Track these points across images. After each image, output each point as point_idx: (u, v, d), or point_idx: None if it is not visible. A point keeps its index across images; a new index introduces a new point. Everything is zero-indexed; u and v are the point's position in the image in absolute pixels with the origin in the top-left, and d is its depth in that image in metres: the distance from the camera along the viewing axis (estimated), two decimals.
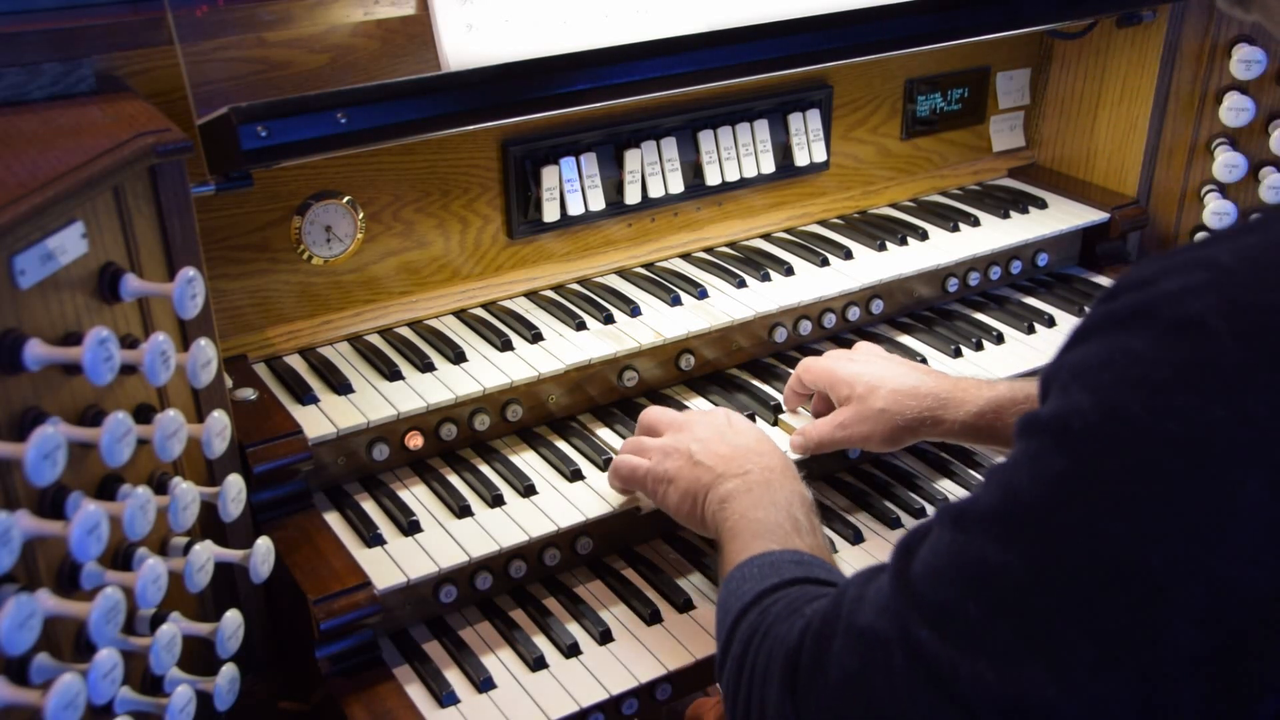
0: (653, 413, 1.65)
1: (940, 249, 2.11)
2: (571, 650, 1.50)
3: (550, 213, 1.90)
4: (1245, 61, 2.14)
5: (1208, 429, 0.75)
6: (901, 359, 1.75)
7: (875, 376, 1.63)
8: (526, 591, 1.61)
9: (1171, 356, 0.77)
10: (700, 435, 1.52)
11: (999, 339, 2.02)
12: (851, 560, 1.66)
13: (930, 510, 1.75)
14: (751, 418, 1.76)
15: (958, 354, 1.97)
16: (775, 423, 1.79)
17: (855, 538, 1.69)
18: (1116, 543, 0.79)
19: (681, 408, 1.80)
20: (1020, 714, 0.84)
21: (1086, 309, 2.08)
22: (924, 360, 1.93)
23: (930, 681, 0.88)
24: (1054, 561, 0.82)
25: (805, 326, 1.99)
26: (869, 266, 2.04)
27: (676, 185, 2.00)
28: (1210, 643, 0.77)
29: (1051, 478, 0.82)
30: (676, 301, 1.90)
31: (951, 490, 1.80)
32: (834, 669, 0.97)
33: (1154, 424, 0.77)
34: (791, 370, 1.90)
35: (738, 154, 2.05)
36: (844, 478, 1.84)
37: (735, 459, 1.46)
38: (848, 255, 2.07)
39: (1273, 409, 0.74)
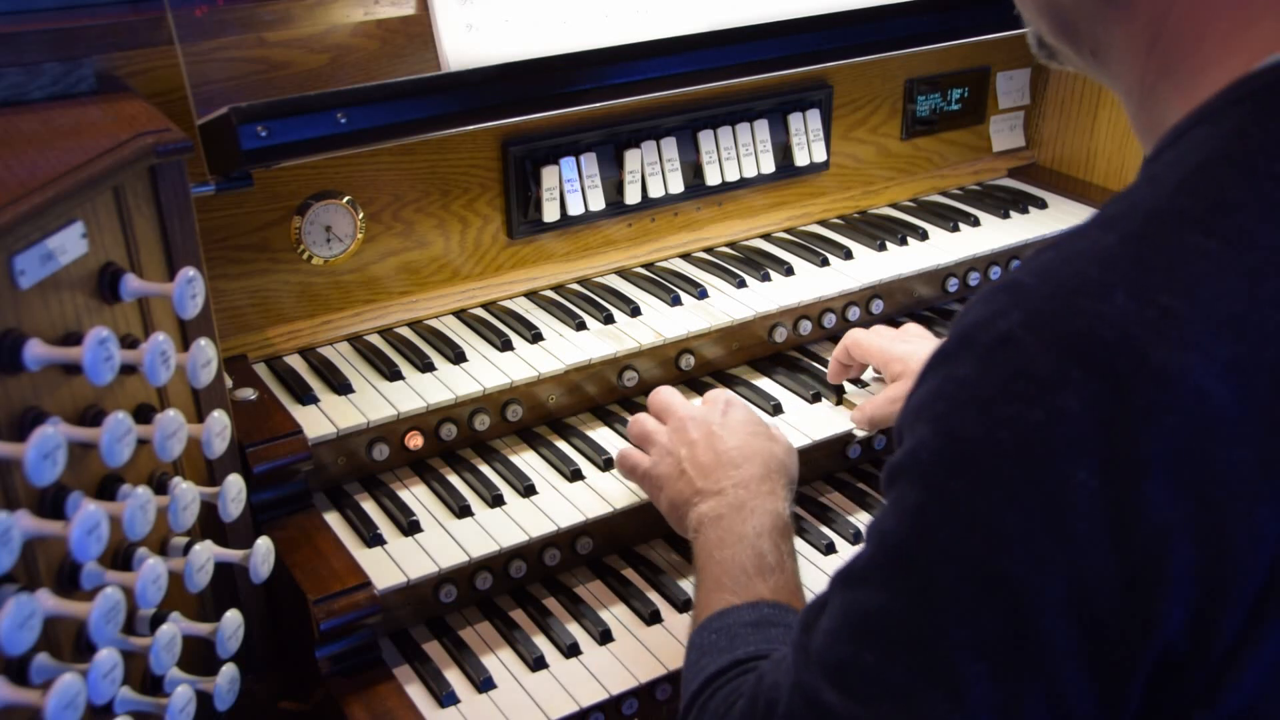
0: (662, 395, 1.65)
1: (940, 249, 2.11)
2: (571, 650, 1.50)
3: (550, 213, 1.90)
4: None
5: (1032, 432, 0.79)
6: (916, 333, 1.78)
7: (926, 353, 1.65)
8: (526, 591, 1.61)
9: (992, 374, 0.82)
10: (691, 437, 1.52)
11: None
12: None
13: None
14: None
15: None
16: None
17: (855, 537, 1.68)
18: (976, 556, 0.82)
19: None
20: None
21: None
22: None
23: None
24: (927, 590, 0.85)
25: (805, 326, 1.99)
26: (869, 266, 2.04)
27: (676, 185, 2.00)
28: (1081, 635, 0.80)
29: (911, 512, 0.86)
30: (676, 301, 1.91)
31: None
32: None
33: (987, 437, 0.81)
34: (791, 369, 1.91)
35: (738, 154, 2.05)
36: (844, 478, 1.84)
37: (714, 472, 1.46)
38: (848, 255, 2.07)
39: (1084, 403, 0.78)
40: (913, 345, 1.72)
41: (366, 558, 1.49)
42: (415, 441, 1.68)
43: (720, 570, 1.34)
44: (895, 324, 2.07)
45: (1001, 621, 0.82)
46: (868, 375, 1.89)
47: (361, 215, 1.79)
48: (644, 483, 1.56)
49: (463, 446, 1.74)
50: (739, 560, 1.34)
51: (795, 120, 2.11)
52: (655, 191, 1.99)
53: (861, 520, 1.73)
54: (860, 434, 1.76)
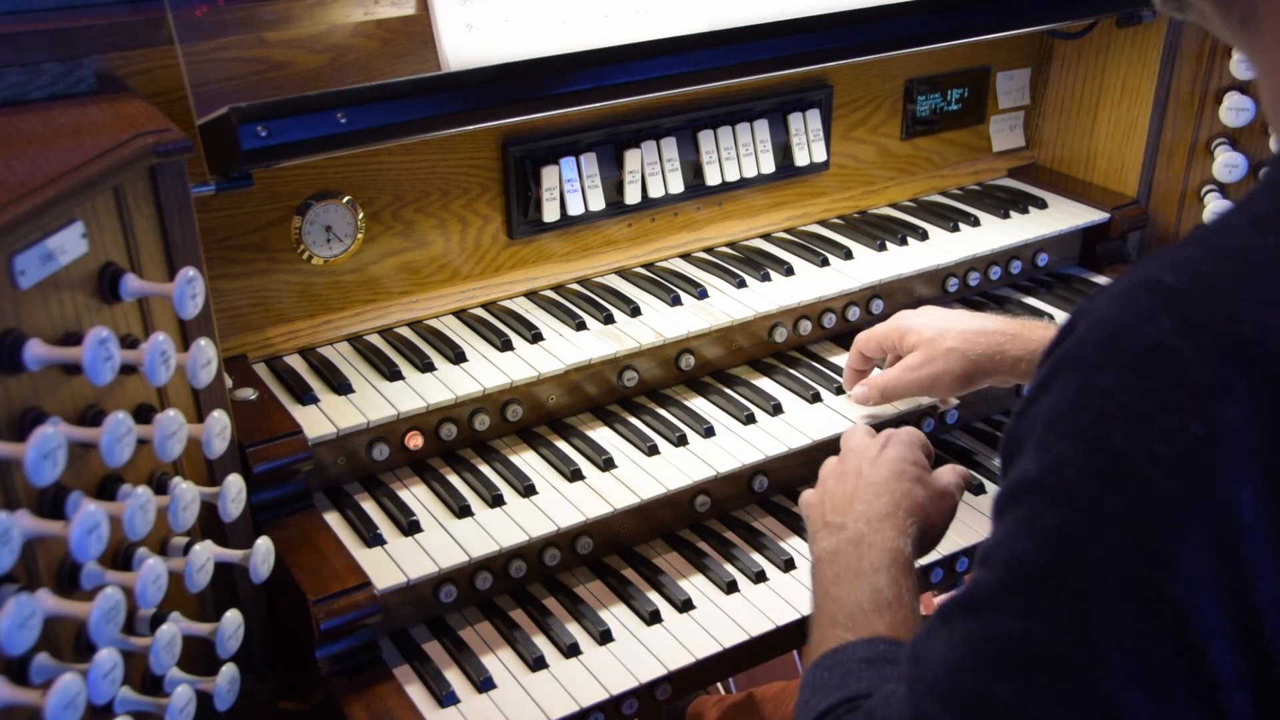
0: (851, 437, 1.54)
1: (940, 249, 2.11)
2: (571, 650, 1.50)
3: (550, 213, 1.90)
4: (1245, 61, 2.14)
5: (1192, 446, 0.75)
6: (965, 310, 1.79)
7: (943, 321, 1.67)
8: (526, 591, 1.61)
9: (1143, 385, 0.78)
10: (842, 469, 1.45)
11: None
12: None
13: None
14: (750, 418, 1.77)
15: None
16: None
17: None
18: (1136, 576, 0.77)
19: (683, 408, 1.80)
20: None
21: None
22: None
23: None
24: (1078, 613, 0.79)
25: (805, 326, 1.99)
26: (869, 266, 2.04)
27: (676, 185, 2.00)
28: (1248, 659, 0.76)
29: (1051, 533, 0.81)
30: (676, 301, 1.90)
31: None
32: None
33: (1140, 451, 0.77)
34: (792, 369, 1.91)
35: (738, 154, 2.05)
36: None
37: (844, 507, 1.38)
38: (848, 255, 2.07)
39: (1247, 416, 0.74)
40: (927, 316, 1.71)
41: (366, 558, 1.49)
42: (415, 441, 1.68)
43: (836, 607, 1.28)
44: None
45: (1163, 646, 0.77)
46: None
47: (361, 215, 1.79)
48: (803, 509, 1.48)
49: (463, 446, 1.74)
50: (855, 597, 1.28)
51: (795, 120, 2.11)
52: (655, 191, 1.99)
53: None
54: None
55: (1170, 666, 0.77)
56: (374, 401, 1.65)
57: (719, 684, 2.16)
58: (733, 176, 2.06)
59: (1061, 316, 2.10)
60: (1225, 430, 0.75)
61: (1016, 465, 0.86)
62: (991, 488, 1.80)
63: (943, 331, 1.66)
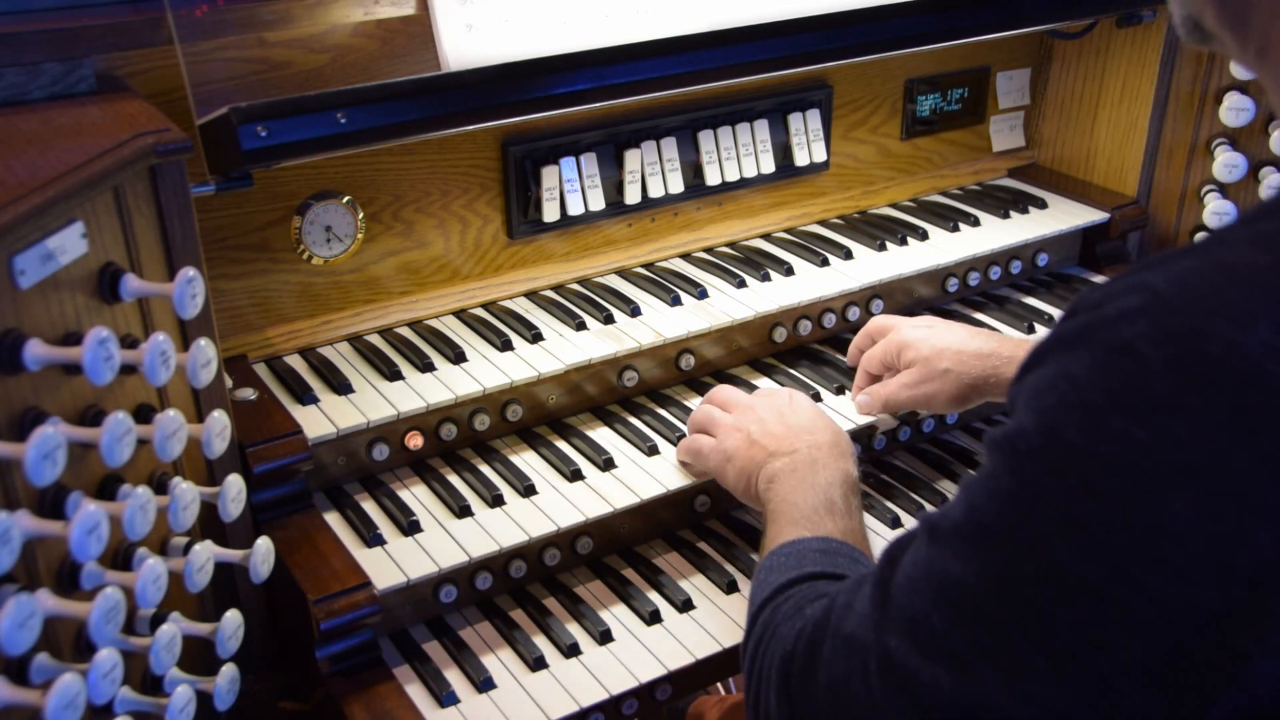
0: (724, 390, 1.70)
1: (940, 249, 2.11)
2: (571, 650, 1.50)
3: (550, 213, 1.90)
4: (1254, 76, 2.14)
5: (1135, 451, 0.78)
6: (965, 325, 1.80)
7: (941, 340, 1.70)
8: (526, 591, 1.61)
9: (1105, 381, 0.81)
10: (761, 415, 1.57)
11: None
12: None
13: (929, 509, 1.75)
14: None
15: None
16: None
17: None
18: (1060, 560, 0.82)
19: (683, 408, 1.81)
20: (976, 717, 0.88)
21: None
22: None
23: (898, 689, 0.92)
24: (1006, 576, 0.86)
25: (805, 326, 1.99)
26: (869, 266, 2.04)
27: (676, 185, 2.00)
28: (1156, 654, 0.80)
29: (1002, 496, 0.87)
30: (676, 301, 1.90)
31: (953, 490, 1.80)
32: (822, 674, 1.01)
33: (1088, 446, 0.81)
34: (792, 369, 1.91)
35: (738, 154, 2.05)
36: None
37: (787, 438, 1.51)
38: (848, 255, 2.07)
39: (1196, 433, 0.76)
40: (925, 331, 1.73)
41: (366, 558, 1.49)
42: (415, 441, 1.68)
43: (794, 510, 1.38)
44: None
45: (1074, 629, 0.82)
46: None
47: (361, 215, 1.79)
48: (710, 459, 1.59)
49: (463, 446, 1.74)
50: (811, 502, 1.39)
51: (795, 120, 2.11)
52: (655, 191, 1.99)
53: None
54: (864, 419, 1.75)
55: (1076, 644, 0.83)
56: (374, 401, 1.65)
57: (719, 684, 2.16)
58: (733, 176, 2.06)
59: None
60: (1167, 441, 0.77)
61: (1009, 419, 0.91)
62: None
63: (939, 351, 1.68)
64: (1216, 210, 2.22)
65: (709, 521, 1.76)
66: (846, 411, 1.80)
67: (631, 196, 1.97)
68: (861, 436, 1.82)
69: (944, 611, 0.90)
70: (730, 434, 1.57)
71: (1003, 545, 0.86)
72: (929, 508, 1.75)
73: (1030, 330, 2.05)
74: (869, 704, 0.95)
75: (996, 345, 1.67)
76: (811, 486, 1.42)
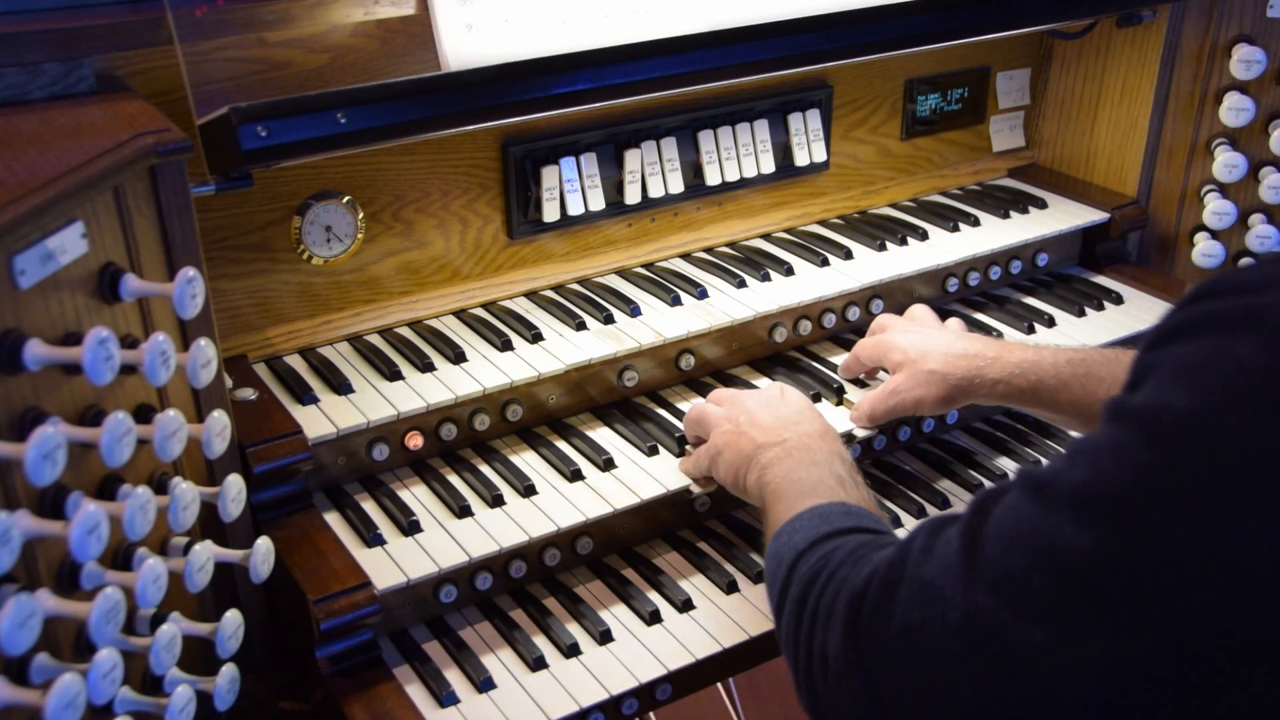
0: (721, 390, 1.71)
1: (940, 249, 2.11)
2: (571, 650, 1.50)
3: (550, 213, 1.90)
4: (1245, 61, 2.14)
5: None
6: (951, 329, 1.79)
7: (927, 342, 1.70)
8: (526, 591, 1.61)
9: (1276, 366, 0.79)
10: (749, 407, 1.58)
11: (999, 338, 2.01)
12: None
13: (931, 511, 1.75)
14: None
15: None
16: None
17: None
18: (1204, 541, 0.81)
19: (681, 409, 1.80)
20: (1066, 683, 0.87)
21: (1087, 309, 2.10)
22: None
23: (983, 643, 0.91)
24: (1136, 550, 0.84)
25: (805, 326, 1.99)
26: (869, 266, 2.04)
27: (676, 185, 2.00)
28: (1262, 659, 0.81)
29: (1140, 469, 0.84)
30: (676, 301, 1.90)
31: (953, 490, 1.80)
32: (896, 618, 1.00)
33: (1253, 430, 0.79)
34: (791, 369, 1.91)
35: (738, 154, 2.05)
36: None
37: (776, 429, 1.51)
38: (848, 255, 2.07)
39: None
40: (912, 336, 1.73)
41: (366, 558, 1.49)
42: (415, 441, 1.68)
43: (800, 486, 1.38)
44: None
45: (1204, 609, 0.81)
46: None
47: (361, 215, 1.79)
48: (703, 459, 1.60)
49: (463, 446, 1.74)
50: (817, 477, 1.39)
51: (795, 120, 2.11)
52: (655, 191, 1.99)
53: None
54: (860, 433, 1.75)
55: (1201, 628, 0.81)
56: (374, 401, 1.65)
57: (719, 684, 2.16)
58: (733, 176, 2.06)
59: (1062, 316, 2.10)
60: None
61: (1138, 390, 0.89)
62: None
63: (925, 353, 1.68)
64: (1217, 210, 2.22)
65: (709, 521, 1.76)
66: (847, 412, 1.80)
67: (631, 196, 1.97)
68: (860, 438, 1.81)
69: (1048, 574, 0.88)
70: (720, 427, 1.58)
71: (1134, 519, 0.84)
72: (929, 508, 1.75)
73: (1030, 330, 2.05)
74: (944, 654, 0.94)
75: (981, 346, 1.67)
76: (813, 464, 1.43)
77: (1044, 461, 1.88)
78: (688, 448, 1.67)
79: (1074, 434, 1.89)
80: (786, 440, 1.49)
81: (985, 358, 1.65)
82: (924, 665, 0.96)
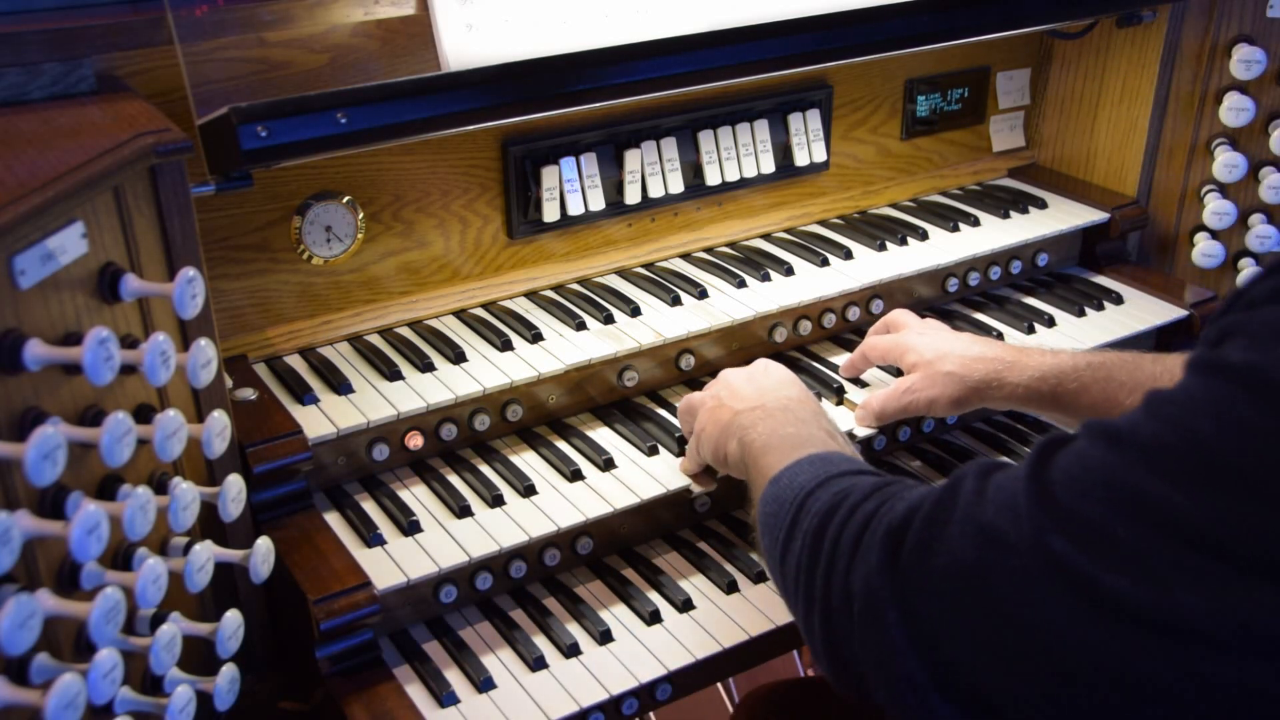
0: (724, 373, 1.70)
1: (940, 249, 2.11)
2: (571, 650, 1.50)
3: (550, 213, 1.90)
4: (1245, 61, 2.15)
5: None
6: (969, 334, 1.79)
7: (944, 344, 1.70)
8: (526, 591, 1.61)
9: None
10: (730, 382, 1.58)
11: (999, 339, 2.01)
12: None
13: None
14: None
15: None
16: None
17: None
18: None
19: None
20: (1161, 626, 0.85)
21: (1087, 309, 2.10)
22: None
23: (1061, 587, 0.89)
24: (1248, 516, 0.82)
25: (805, 326, 1.99)
26: (869, 266, 2.04)
27: (676, 185, 2.00)
28: None
29: (1244, 430, 0.83)
30: (676, 301, 1.90)
31: None
32: (943, 555, 0.98)
33: None
34: (792, 370, 1.91)
35: (738, 154, 2.05)
36: None
37: (754, 396, 1.52)
38: (848, 255, 2.07)
39: None
40: (928, 337, 1.73)
41: (366, 558, 1.49)
42: (415, 441, 1.68)
43: (795, 440, 1.36)
44: None
45: None
46: (870, 375, 1.88)
47: (361, 215, 1.79)
48: (694, 443, 1.60)
49: (463, 446, 1.74)
50: (810, 432, 1.38)
51: (795, 120, 2.11)
52: (655, 191, 1.99)
53: None
54: (861, 433, 1.75)
55: None
56: (374, 401, 1.65)
57: (719, 684, 2.16)
58: (733, 176, 2.06)
59: (1062, 316, 2.10)
60: None
61: (1223, 346, 0.87)
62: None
63: (942, 355, 1.68)
64: (1216, 210, 2.22)
65: (709, 521, 1.76)
66: (847, 413, 1.80)
67: (631, 196, 1.97)
68: (861, 438, 1.81)
69: (1134, 526, 0.86)
70: (704, 408, 1.58)
71: (1250, 483, 0.82)
72: None
73: (1030, 330, 2.05)
74: (1015, 598, 0.92)
75: (999, 350, 1.68)
76: (799, 421, 1.41)
77: None
78: (687, 448, 1.67)
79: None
80: (765, 404, 1.48)
81: (1004, 361, 1.64)
82: (979, 606, 0.95)
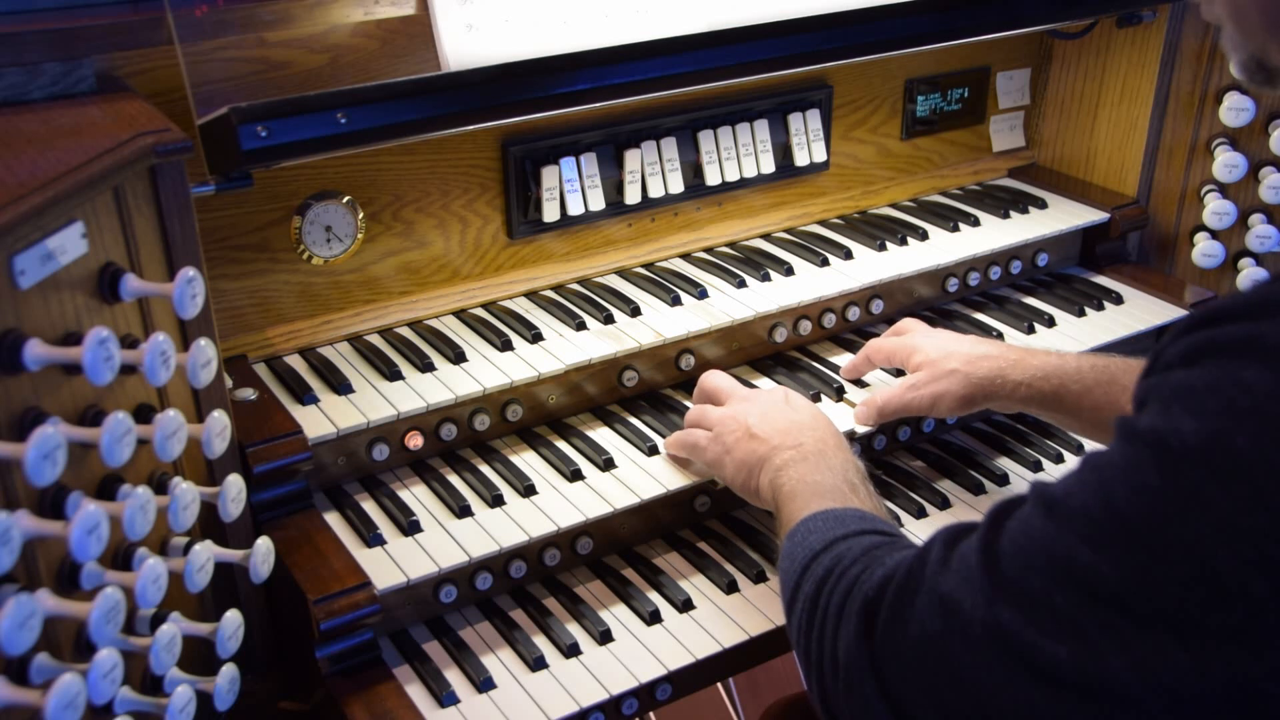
0: (713, 378, 1.71)
1: (940, 249, 2.11)
2: (571, 650, 1.50)
3: (550, 213, 1.90)
4: None
5: None
6: (976, 336, 1.81)
7: (951, 344, 1.72)
8: (526, 591, 1.61)
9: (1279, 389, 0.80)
10: (761, 409, 1.58)
11: (999, 339, 2.01)
12: None
13: (931, 511, 1.75)
14: None
15: None
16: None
17: None
18: (1220, 568, 0.82)
19: (682, 409, 1.80)
20: (1097, 695, 0.89)
21: (1087, 309, 2.10)
22: None
23: (1009, 657, 0.93)
24: (1154, 575, 0.85)
25: (805, 326, 1.99)
26: (869, 266, 2.04)
27: (676, 185, 2.00)
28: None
29: (1151, 493, 0.86)
30: (676, 301, 1.90)
31: (953, 490, 1.80)
32: (913, 625, 1.02)
33: (1259, 457, 0.80)
34: (791, 370, 1.91)
35: (738, 154, 2.05)
36: None
37: (791, 432, 1.52)
38: (848, 255, 2.07)
39: None
40: (935, 338, 1.74)
41: (366, 558, 1.49)
42: (415, 441, 1.68)
43: (816, 488, 1.39)
44: (894, 324, 2.06)
45: (1225, 630, 0.83)
46: (871, 376, 1.88)
47: (361, 215, 1.79)
48: (708, 452, 1.59)
49: (463, 446, 1.74)
50: (832, 482, 1.40)
51: (795, 120, 2.11)
52: (655, 191, 1.99)
53: None
54: (861, 430, 1.75)
55: (1226, 645, 0.82)
56: (374, 401, 1.65)
57: (719, 684, 2.16)
58: (733, 176, 2.06)
59: (1062, 316, 2.10)
60: None
61: (1142, 414, 0.90)
62: (991, 487, 1.80)
63: (948, 353, 1.69)
64: (1216, 210, 2.22)
65: (709, 521, 1.76)
66: (847, 413, 1.80)
67: (631, 196, 1.97)
68: (860, 437, 1.81)
69: (1069, 596, 0.89)
70: (727, 425, 1.58)
71: (1152, 544, 0.85)
72: (929, 508, 1.75)
73: (1030, 330, 2.05)
74: (970, 664, 0.95)
75: (1004, 349, 1.69)
76: (829, 469, 1.43)
77: (1044, 461, 1.88)
78: (698, 456, 1.66)
79: (1075, 437, 1.89)
80: (804, 444, 1.49)
81: (1008, 360, 1.65)
82: (943, 674, 0.98)
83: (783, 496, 1.43)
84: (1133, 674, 0.86)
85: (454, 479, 1.66)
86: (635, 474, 1.66)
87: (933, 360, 1.69)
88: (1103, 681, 0.88)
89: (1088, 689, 0.89)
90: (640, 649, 1.51)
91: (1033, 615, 0.91)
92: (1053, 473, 1.87)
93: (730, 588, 1.61)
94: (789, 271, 2.00)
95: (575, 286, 1.97)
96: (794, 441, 1.50)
